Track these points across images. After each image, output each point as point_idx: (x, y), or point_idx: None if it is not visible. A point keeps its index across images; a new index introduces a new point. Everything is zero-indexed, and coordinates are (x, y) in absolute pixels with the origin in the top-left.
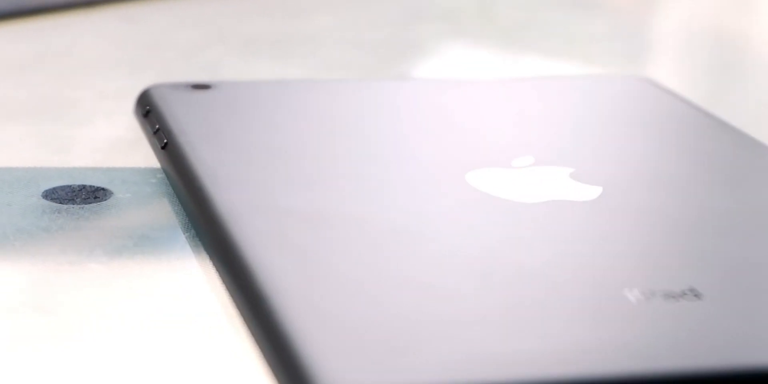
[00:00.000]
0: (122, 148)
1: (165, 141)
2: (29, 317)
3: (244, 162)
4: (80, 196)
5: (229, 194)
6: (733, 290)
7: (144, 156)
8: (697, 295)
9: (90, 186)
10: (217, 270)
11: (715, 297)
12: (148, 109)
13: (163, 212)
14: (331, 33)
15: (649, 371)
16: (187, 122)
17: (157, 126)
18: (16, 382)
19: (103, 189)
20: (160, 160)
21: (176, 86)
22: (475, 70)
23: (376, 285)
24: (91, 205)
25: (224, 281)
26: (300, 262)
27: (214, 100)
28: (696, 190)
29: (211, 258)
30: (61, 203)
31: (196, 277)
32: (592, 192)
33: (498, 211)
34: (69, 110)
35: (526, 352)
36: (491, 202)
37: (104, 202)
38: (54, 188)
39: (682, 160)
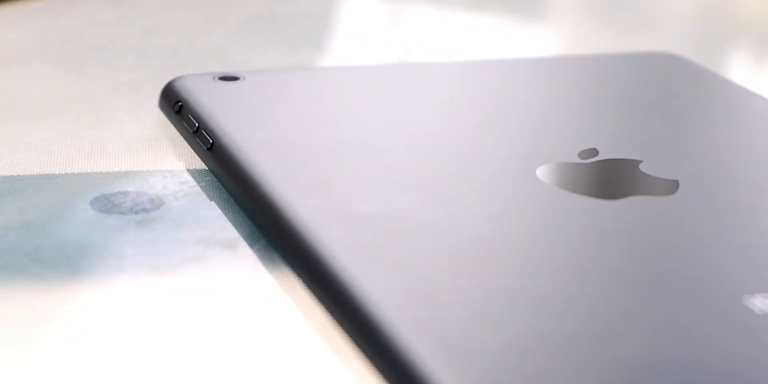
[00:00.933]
0: (156, 147)
1: (211, 142)
2: (107, 345)
3: (305, 162)
4: (131, 204)
5: (305, 201)
6: None
7: (181, 155)
8: None
9: (137, 192)
10: (310, 288)
11: None
12: (180, 104)
13: (223, 220)
14: (326, 11)
15: None
16: (230, 119)
17: (197, 125)
18: None
19: (152, 196)
20: (205, 162)
21: (202, 78)
22: (491, 43)
23: (490, 300)
24: (144, 214)
25: (321, 301)
26: (404, 276)
27: (249, 92)
28: None
29: (298, 274)
30: (113, 214)
31: (280, 291)
32: (671, 186)
33: (583, 212)
34: (89, 106)
35: (655, 370)
36: (573, 201)
37: (157, 211)
38: (101, 197)
39: (751, 143)
